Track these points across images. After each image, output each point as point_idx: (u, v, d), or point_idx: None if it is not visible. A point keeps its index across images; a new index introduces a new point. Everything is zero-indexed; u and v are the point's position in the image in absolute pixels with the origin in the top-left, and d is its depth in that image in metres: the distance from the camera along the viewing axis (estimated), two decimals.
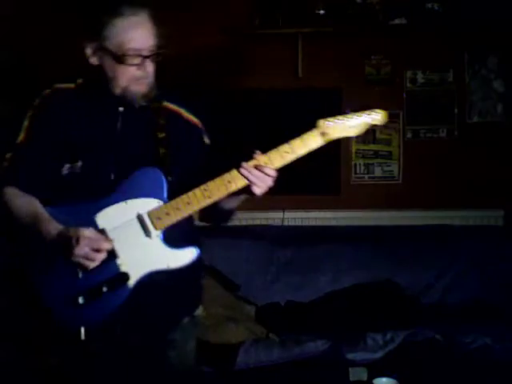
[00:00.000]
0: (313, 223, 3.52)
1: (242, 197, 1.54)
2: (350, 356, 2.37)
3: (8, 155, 1.51)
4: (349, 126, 1.50)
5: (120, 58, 1.45)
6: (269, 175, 1.45)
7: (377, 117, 1.55)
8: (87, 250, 1.39)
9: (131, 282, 1.47)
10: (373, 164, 3.57)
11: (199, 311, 1.69)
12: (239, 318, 2.78)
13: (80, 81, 1.59)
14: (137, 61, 1.46)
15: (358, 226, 3.45)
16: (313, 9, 3.32)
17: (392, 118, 3.54)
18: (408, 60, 3.50)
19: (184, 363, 1.64)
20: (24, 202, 1.50)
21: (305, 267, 3.13)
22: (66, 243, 1.40)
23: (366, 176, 3.58)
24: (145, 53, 1.47)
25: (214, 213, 1.59)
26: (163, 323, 1.58)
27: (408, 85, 3.52)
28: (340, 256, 3.15)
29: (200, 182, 1.48)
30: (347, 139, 3.58)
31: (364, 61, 3.51)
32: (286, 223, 3.53)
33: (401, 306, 2.92)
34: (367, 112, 1.54)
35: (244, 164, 1.45)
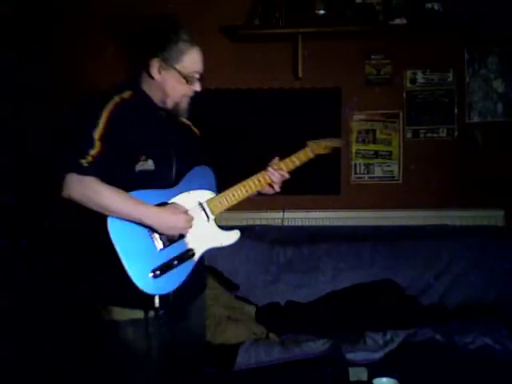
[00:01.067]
0: (313, 223, 3.52)
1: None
2: (349, 356, 2.37)
3: (92, 151, 1.68)
4: (324, 146, 2.10)
5: (186, 78, 1.79)
6: (285, 177, 1.98)
7: (338, 141, 2.21)
8: (187, 222, 1.77)
9: (195, 257, 1.83)
10: (373, 164, 3.57)
11: (207, 291, 2.10)
12: (239, 318, 2.78)
13: (131, 92, 1.81)
14: (195, 81, 1.82)
15: (357, 225, 3.45)
16: (313, 9, 3.32)
17: (392, 117, 3.54)
18: (408, 60, 3.50)
19: (203, 332, 2.08)
20: (112, 190, 1.71)
21: (305, 267, 3.13)
22: (170, 220, 1.74)
23: (366, 176, 3.58)
24: (198, 75, 1.83)
25: None
26: (198, 293, 2.00)
27: (408, 85, 3.52)
28: (340, 256, 3.14)
29: None
30: (347, 139, 3.62)
31: (364, 61, 3.51)
32: (285, 223, 3.53)
33: (401, 306, 2.92)
34: (333, 139, 2.15)
35: (270, 169, 1.96)
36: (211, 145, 2.08)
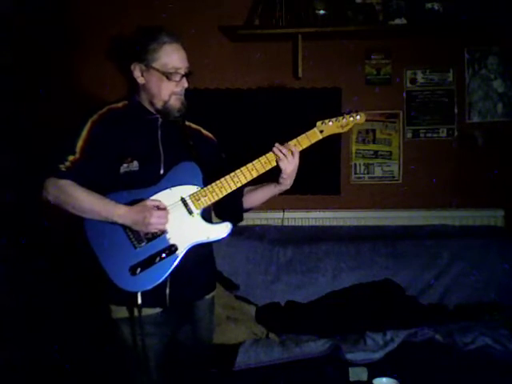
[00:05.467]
0: (313, 223, 3.53)
1: (266, 192, 1.97)
2: (349, 356, 2.37)
3: (71, 157, 1.78)
4: (340, 125, 1.94)
5: (166, 75, 1.82)
6: (293, 152, 1.85)
7: (358, 117, 1.96)
8: (159, 218, 1.75)
9: (179, 252, 1.81)
10: (373, 164, 3.57)
11: (214, 293, 2.08)
12: (239, 318, 2.78)
13: (126, 102, 1.93)
14: (177, 78, 1.84)
15: (357, 226, 3.45)
16: (313, 9, 3.32)
17: (392, 117, 3.54)
18: (408, 60, 3.51)
19: (208, 333, 2.05)
20: (86, 192, 1.78)
21: (305, 267, 3.13)
22: (139, 217, 1.74)
23: (366, 176, 3.58)
24: (182, 71, 1.85)
25: (237, 208, 2.01)
26: (199, 290, 1.98)
27: (408, 85, 3.53)
28: (340, 256, 3.14)
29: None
30: (347, 139, 3.61)
31: (364, 61, 3.52)
32: (285, 223, 3.53)
33: (401, 306, 2.92)
34: (352, 114, 1.95)
35: (277, 143, 1.86)
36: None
